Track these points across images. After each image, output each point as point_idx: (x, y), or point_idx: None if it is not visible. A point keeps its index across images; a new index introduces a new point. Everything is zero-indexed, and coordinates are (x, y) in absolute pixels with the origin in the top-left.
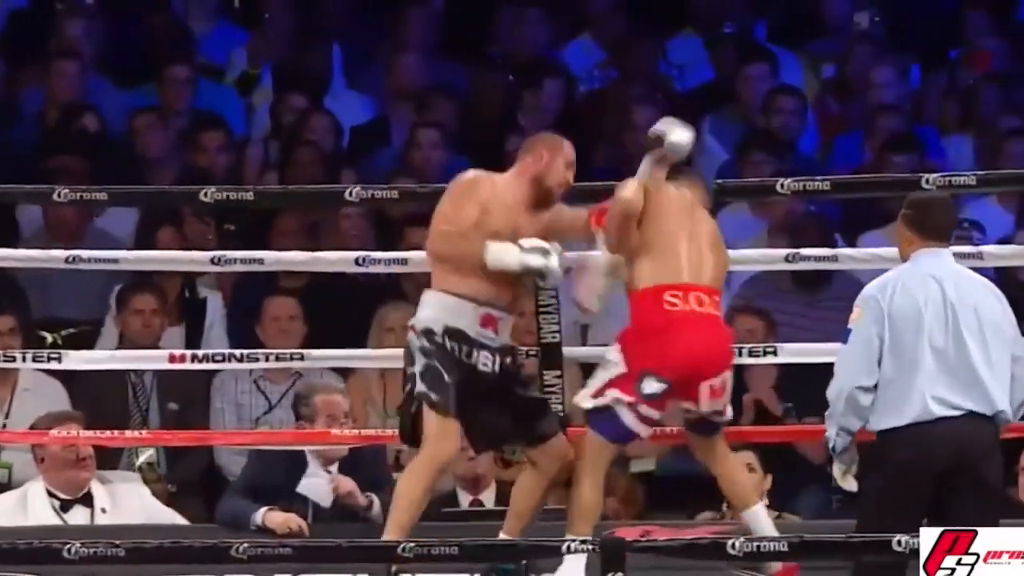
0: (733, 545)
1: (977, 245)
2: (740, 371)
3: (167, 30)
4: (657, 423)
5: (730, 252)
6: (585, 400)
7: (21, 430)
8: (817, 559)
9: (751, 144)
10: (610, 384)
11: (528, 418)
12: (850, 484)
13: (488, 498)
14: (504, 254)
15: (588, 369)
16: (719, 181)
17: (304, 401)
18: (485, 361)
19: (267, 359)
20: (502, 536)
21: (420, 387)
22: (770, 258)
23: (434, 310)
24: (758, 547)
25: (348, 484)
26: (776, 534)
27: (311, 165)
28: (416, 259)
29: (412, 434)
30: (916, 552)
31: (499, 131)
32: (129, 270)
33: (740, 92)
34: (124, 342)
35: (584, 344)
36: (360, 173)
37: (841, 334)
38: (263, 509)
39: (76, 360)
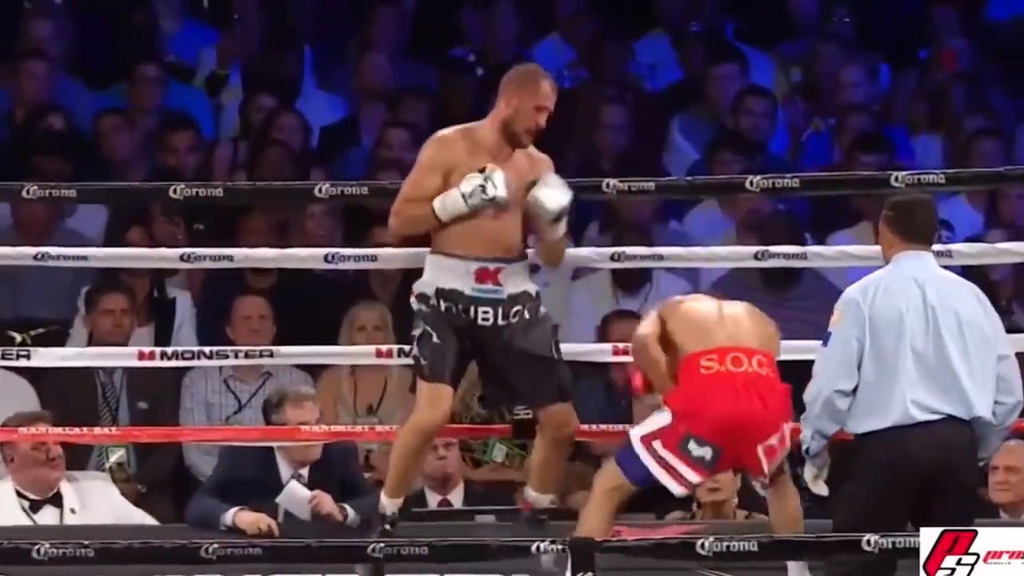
0: (702, 545)
1: (946, 243)
2: None
3: (136, 30)
4: (693, 485)
5: (698, 250)
6: (635, 438)
7: None
8: (787, 559)
9: (720, 144)
10: (660, 434)
11: (535, 376)
12: (820, 488)
13: (456, 498)
14: (448, 201)
15: None
16: (689, 178)
17: (275, 410)
18: (485, 315)
19: (236, 356)
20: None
21: (414, 350)
22: (739, 256)
23: (429, 272)
24: (727, 547)
25: (327, 504)
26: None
27: (280, 165)
28: (386, 256)
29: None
30: (886, 552)
31: None
32: (98, 270)
33: (710, 92)
34: (94, 342)
35: None
36: (329, 173)
37: (809, 333)
38: (233, 509)
39: (45, 357)
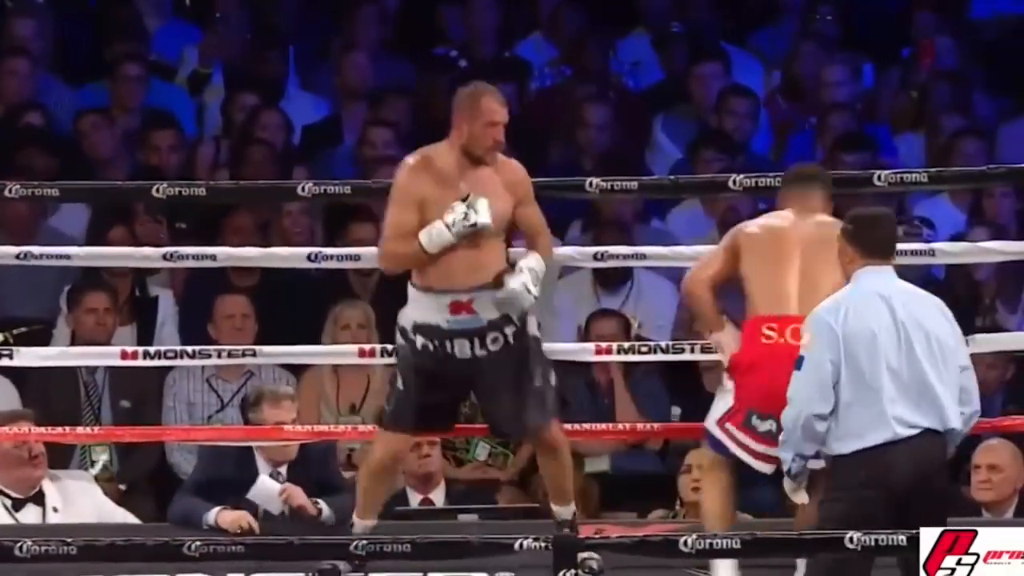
0: (685, 542)
1: (928, 242)
2: (695, 368)
3: (118, 28)
4: (773, 458)
5: (682, 249)
6: (711, 424)
7: None
8: (770, 556)
9: (703, 142)
10: (727, 417)
11: (516, 404)
12: (802, 497)
13: (438, 497)
14: (434, 234)
15: None
16: (672, 177)
17: (252, 408)
18: (461, 348)
19: (219, 355)
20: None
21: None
22: None
23: (409, 306)
24: (710, 544)
25: (299, 496)
26: None
27: (262, 164)
28: (368, 255)
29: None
30: (869, 549)
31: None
32: (81, 269)
33: (693, 91)
34: (77, 341)
35: None
36: (312, 171)
37: None
38: (215, 509)
39: (28, 357)
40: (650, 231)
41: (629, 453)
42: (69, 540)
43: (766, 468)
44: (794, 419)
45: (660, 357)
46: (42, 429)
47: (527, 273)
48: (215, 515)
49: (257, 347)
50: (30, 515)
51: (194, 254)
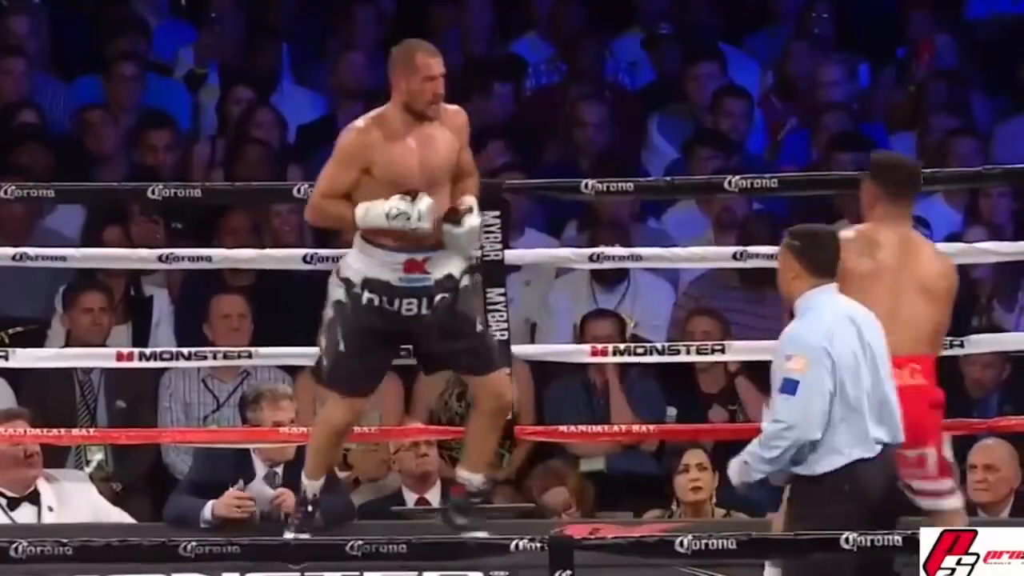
0: (681, 543)
1: None
2: (691, 369)
3: (114, 27)
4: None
5: (678, 250)
6: None
7: None
8: (766, 557)
9: (698, 141)
10: None
11: (465, 351)
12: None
13: (434, 496)
14: (371, 215)
15: (536, 366)
16: (668, 178)
17: (251, 407)
18: (409, 306)
19: (215, 357)
20: (461, 475)
21: (320, 341)
22: (718, 256)
23: (358, 259)
24: (706, 544)
25: (291, 503)
26: None
27: (258, 163)
28: None
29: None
30: (863, 550)
31: None
32: (76, 269)
33: (689, 91)
34: (72, 341)
35: (532, 342)
36: (306, 171)
37: None
38: (211, 503)
39: (24, 358)
40: (646, 231)
41: (625, 453)
42: (65, 541)
43: (926, 504)
44: (792, 443)
45: (656, 359)
46: (38, 429)
47: (476, 210)
48: (211, 509)
49: (253, 348)
50: (25, 515)
51: (190, 256)
